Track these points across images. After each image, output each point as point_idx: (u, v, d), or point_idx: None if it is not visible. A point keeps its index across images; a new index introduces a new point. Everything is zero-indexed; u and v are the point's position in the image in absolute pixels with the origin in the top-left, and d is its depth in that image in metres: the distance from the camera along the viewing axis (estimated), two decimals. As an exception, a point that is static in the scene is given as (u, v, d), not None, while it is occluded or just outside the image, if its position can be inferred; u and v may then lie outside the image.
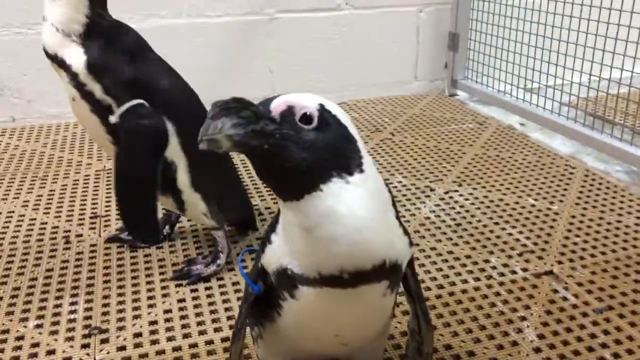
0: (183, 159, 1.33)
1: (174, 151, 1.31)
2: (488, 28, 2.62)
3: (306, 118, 0.72)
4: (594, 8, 2.08)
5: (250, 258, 1.46)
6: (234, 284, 1.39)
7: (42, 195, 1.81)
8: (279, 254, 0.81)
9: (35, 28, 2.30)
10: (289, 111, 0.72)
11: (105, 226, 1.63)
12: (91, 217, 1.68)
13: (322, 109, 0.73)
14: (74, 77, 1.26)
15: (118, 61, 1.26)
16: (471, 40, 2.75)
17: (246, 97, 2.12)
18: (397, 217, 0.82)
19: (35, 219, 1.67)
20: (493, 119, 2.52)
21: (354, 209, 0.72)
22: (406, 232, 0.83)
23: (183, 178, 1.34)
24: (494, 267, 1.46)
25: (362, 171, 0.74)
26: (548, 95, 2.32)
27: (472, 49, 2.75)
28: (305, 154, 0.71)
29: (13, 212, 1.71)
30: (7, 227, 1.62)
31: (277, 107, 0.72)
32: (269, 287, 0.87)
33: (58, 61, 1.26)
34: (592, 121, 2.15)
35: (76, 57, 1.25)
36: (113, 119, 1.26)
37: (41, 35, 1.27)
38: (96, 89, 1.26)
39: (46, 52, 1.27)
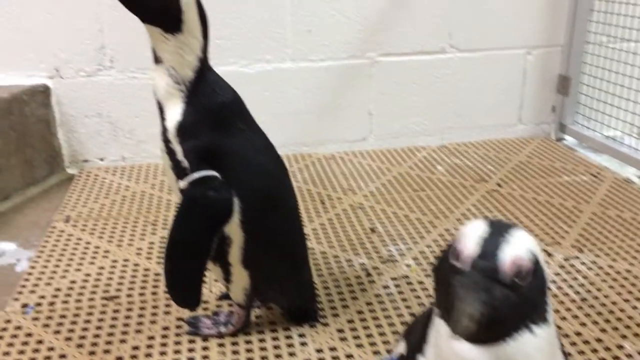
0: (240, 236, 1.27)
1: (233, 227, 1.26)
2: (600, 72, 2.48)
3: (523, 275, 0.67)
4: None
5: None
6: None
7: (154, 243, 1.85)
8: None
9: (149, 73, 2.40)
10: (518, 271, 0.67)
11: (215, 280, 1.64)
12: (201, 270, 1.70)
13: (536, 262, 0.69)
14: (164, 131, 1.26)
15: (204, 126, 1.23)
16: (582, 83, 2.60)
17: (347, 138, 2.07)
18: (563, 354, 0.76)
19: (149, 269, 1.71)
20: (608, 170, 2.36)
21: None
22: None
23: (236, 254, 1.29)
24: (629, 356, 1.33)
25: (546, 320, 0.70)
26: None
27: (583, 92, 2.60)
28: (515, 313, 0.67)
29: (128, 260, 1.76)
30: (124, 277, 1.67)
31: (509, 267, 0.66)
32: None
33: (159, 108, 1.27)
34: None
35: (173, 114, 1.23)
36: (181, 184, 1.23)
37: (154, 79, 1.25)
38: (178, 150, 1.24)
39: (155, 95, 1.26)
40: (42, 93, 2.30)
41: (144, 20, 1.21)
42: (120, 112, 2.43)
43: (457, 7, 2.53)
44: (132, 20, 2.41)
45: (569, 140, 2.71)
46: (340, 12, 2.47)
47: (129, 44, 2.34)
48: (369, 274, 1.67)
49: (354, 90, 2.58)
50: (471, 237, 0.68)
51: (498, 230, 0.69)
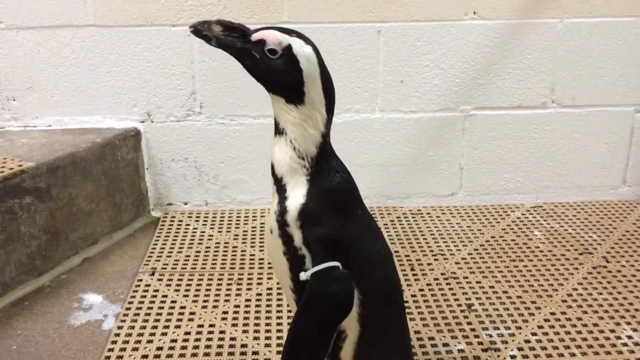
0: (356, 331, 1.18)
1: (350, 321, 1.16)
2: None
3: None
4: None
5: None
6: None
7: (239, 307, 1.79)
8: None
9: (236, 120, 2.38)
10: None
11: (304, 357, 1.56)
12: (289, 343, 1.62)
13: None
14: (282, 212, 1.15)
15: (328, 211, 1.14)
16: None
17: (435, 193, 2.28)
18: None
19: (235, 339, 1.64)
20: None
21: None
22: None
23: (349, 350, 1.19)
24: None
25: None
26: None
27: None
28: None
29: (214, 326, 1.71)
30: (210, 346, 1.61)
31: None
32: None
33: (280, 186, 1.17)
34: None
35: (297, 195, 1.14)
36: (303, 276, 1.13)
37: (274, 152, 1.17)
38: (297, 235, 1.14)
39: (273, 171, 1.18)
40: (133, 137, 2.31)
41: (268, 89, 1.16)
42: (205, 157, 2.42)
43: (562, 61, 2.37)
44: (223, 68, 2.41)
45: (680, 206, 2.48)
46: (434, 62, 2.37)
47: (218, 90, 2.33)
48: (468, 364, 1.55)
49: (444, 144, 2.46)
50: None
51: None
